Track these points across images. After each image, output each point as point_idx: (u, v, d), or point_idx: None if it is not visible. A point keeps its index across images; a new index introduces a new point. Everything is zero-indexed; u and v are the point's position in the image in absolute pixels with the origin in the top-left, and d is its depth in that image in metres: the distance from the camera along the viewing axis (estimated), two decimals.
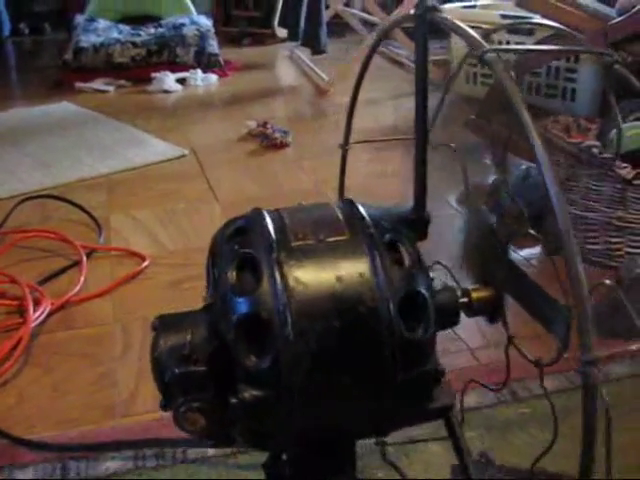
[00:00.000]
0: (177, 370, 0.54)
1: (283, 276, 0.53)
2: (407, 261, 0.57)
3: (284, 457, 0.62)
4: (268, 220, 0.58)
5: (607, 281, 0.49)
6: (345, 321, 0.53)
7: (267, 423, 0.55)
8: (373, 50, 0.74)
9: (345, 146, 0.83)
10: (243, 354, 0.52)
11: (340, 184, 0.87)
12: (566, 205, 0.41)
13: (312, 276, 0.54)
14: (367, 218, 0.58)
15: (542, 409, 0.92)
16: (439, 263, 0.65)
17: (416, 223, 0.66)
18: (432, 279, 0.60)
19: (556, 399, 0.93)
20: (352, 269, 0.55)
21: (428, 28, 0.61)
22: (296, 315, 0.52)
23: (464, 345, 1.07)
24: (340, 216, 0.59)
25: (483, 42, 0.49)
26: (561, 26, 0.81)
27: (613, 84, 0.64)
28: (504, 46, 0.50)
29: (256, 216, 0.59)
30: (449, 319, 0.62)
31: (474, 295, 0.62)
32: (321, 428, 0.57)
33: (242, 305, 0.53)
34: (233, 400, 0.53)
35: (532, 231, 0.61)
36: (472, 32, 0.52)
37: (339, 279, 0.54)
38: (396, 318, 0.54)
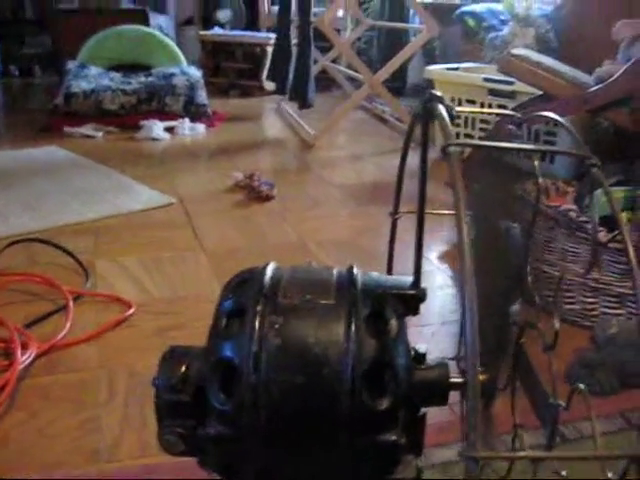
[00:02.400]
0: (165, 397, 0.60)
1: (262, 327, 0.57)
2: (387, 333, 0.59)
3: None
4: (267, 276, 0.62)
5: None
6: (308, 378, 0.56)
7: (229, 458, 0.59)
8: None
9: (395, 215, 0.82)
10: (214, 392, 0.57)
11: (389, 254, 0.85)
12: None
13: (288, 332, 0.57)
14: (358, 286, 0.61)
15: None
16: None
17: (411, 298, 0.67)
18: (415, 354, 0.62)
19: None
20: (326, 332, 0.57)
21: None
22: (265, 365, 0.56)
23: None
24: (333, 280, 0.62)
25: (450, 133, 0.50)
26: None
27: (589, 186, 0.68)
28: (467, 141, 0.53)
29: (259, 270, 0.63)
30: (436, 396, 0.62)
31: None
32: (280, 473, 0.60)
33: (221, 348, 0.58)
34: (200, 432, 0.58)
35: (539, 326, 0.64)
36: (447, 122, 0.52)
37: (312, 339, 0.57)
38: (359, 385, 0.56)
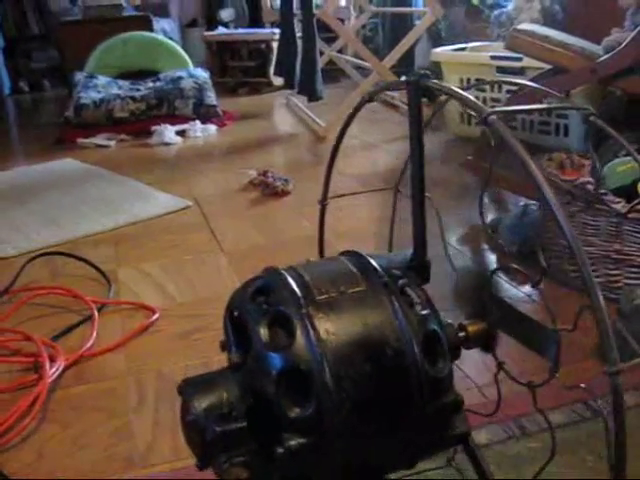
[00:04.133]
0: (218, 428, 0.56)
1: (314, 329, 0.57)
2: (419, 304, 0.62)
3: None
4: (289, 278, 0.61)
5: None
6: (375, 364, 0.58)
7: (309, 468, 0.58)
8: (356, 111, 0.78)
9: (324, 202, 0.86)
10: (286, 406, 0.56)
11: (320, 239, 0.89)
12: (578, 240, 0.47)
13: (340, 326, 0.58)
14: (378, 268, 0.63)
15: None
16: None
17: (418, 269, 0.69)
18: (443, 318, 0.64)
19: (564, 432, 0.96)
20: (375, 316, 0.59)
21: (421, 93, 0.64)
22: (332, 364, 0.56)
23: (472, 383, 1.09)
24: (353, 269, 0.63)
25: (482, 106, 0.53)
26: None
27: (593, 134, 0.68)
28: (504, 107, 0.55)
29: (276, 275, 0.62)
30: (454, 353, 0.66)
31: (470, 329, 0.67)
32: (358, 467, 0.61)
33: (280, 360, 0.57)
34: (280, 450, 0.56)
35: (515, 265, 0.67)
36: (470, 97, 0.56)
37: (365, 326, 0.58)
38: (420, 356, 0.59)
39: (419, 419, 0.60)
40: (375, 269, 0.63)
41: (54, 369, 1.19)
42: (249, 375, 0.59)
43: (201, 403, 0.58)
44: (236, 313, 0.63)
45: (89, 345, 1.29)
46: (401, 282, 0.62)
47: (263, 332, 0.58)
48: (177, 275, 1.63)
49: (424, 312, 0.62)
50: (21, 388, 1.17)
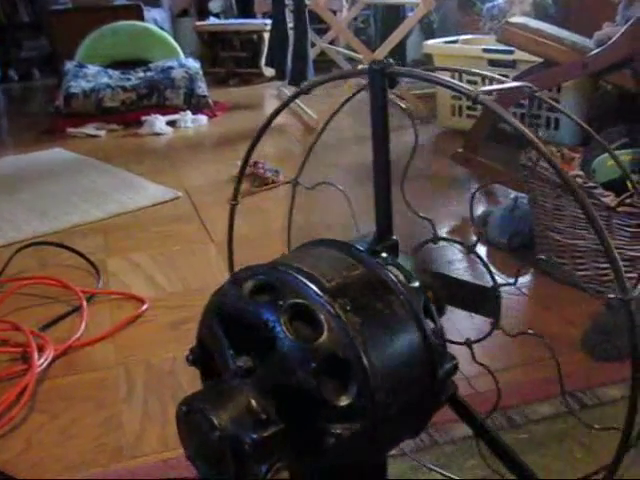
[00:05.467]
0: (256, 436, 0.53)
1: (339, 315, 0.57)
2: (411, 279, 0.64)
3: None
4: (292, 272, 0.60)
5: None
6: (399, 339, 0.60)
7: (359, 454, 0.59)
8: (288, 103, 0.77)
9: (233, 202, 0.85)
10: (330, 395, 0.55)
11: (229, 239, 0.89)
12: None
13: (360, 308, 0.58)
14: (364, 251, 0.65)
15: (539, 434, 0.94)
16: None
17: (390, 248, 0.70)
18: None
19: (552, 424, 0.96)
20: (385, 292, 0.61)
21: (387, 82, 0.65)
22: (366, 346, 0.56)
23: (461, 374, 1.09)
24: (342, 253, 0.65)
25: (468, 87, 0.54)
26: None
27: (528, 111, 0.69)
28: (491, 87, 0.56)
29: (276, 271, 0.61)
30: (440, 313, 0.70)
31: (429, 295, 0.68)
32: (398, 434, 0.64)
33: (315, 351, 0.55)
34: (331, 440, 0.55)
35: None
36: (452, 80, 0.58)
37: (382, 304, 0.60)
38: (427, 324, 0.62)
39: (434, 387, 0.62)
40: (361, 251, 0.64)
41: (43, 359, 1.19)
42: (270, 376, 0.56)
43: (223, 417, 0.54)
44: (228, 316, 0.61)
45: (78, 335, 1.29)
46: (391, 261, 0.65)
47: (287, 327, 0.56)
48: (167, 265, 1.62)
49: (415, 284, 0.64)
50: (9, 378, 1.16)
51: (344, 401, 0.55)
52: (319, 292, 0.58)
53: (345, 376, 0.56)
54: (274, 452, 0.54)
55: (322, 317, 0.56)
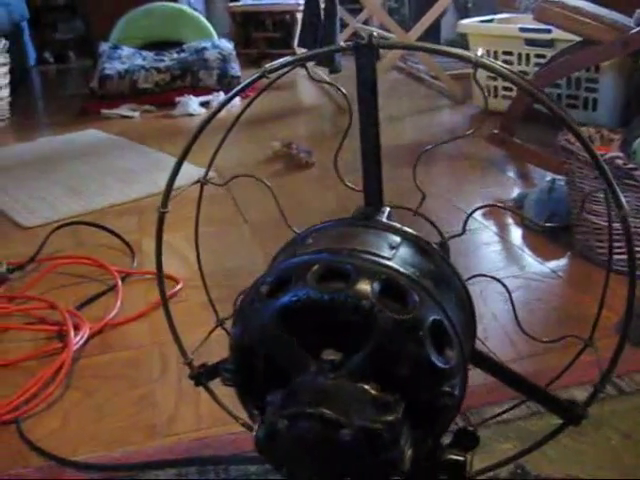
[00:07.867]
0: (392, 418, 0.54)
1: (419, 282, 0.60)
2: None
3: None
4: (352, 252, 0.62)
5: None
6: (456, 291, 0.67)
7: (459, 407, 0.62)
8: (250, 84, 0.73)
9: (163, 209, 0.77)
10: (438, 359, 0.57)
11: (157, 249, 0.81)
12: None
13: (424, 272, 0.63)
14: (398, 225, 0.70)
15: None
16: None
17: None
18: None
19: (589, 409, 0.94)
20: (429, 255, 0.67)
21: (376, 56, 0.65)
22: (445, 306, 0.61)
23: (495, 358, 1.08)
24: (367, 230, 0.69)
25: (468, 53, 0.59)
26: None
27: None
28: (489, 61, 0.55)
29: (340, 257, 0.61)
30: None
31: None
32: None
33: (420, 321, 0.57)
34: (444, 401, 0.58)
35: None
36: (446, 48, 0.62)
37: (432, 264, 0.66)
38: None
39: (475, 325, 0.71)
40: (384, 223, 0.69)
41: (78, 337, 1.20)
42: (370, 359, 0.55)
43: (346, 411, 0.53)
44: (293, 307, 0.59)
45: (113, 314, 1.30)
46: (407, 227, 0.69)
47: (385, 305, 0.56)
48: (201, 246, 1.62)
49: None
50: (46, 356, 1.18)
51: (451, 362, 0.58)
52: (394, 266, 0.59)
53: (442, 339, 0.58)
54: (405, 432, 0.55)
55: (409, 289, 0.58)
